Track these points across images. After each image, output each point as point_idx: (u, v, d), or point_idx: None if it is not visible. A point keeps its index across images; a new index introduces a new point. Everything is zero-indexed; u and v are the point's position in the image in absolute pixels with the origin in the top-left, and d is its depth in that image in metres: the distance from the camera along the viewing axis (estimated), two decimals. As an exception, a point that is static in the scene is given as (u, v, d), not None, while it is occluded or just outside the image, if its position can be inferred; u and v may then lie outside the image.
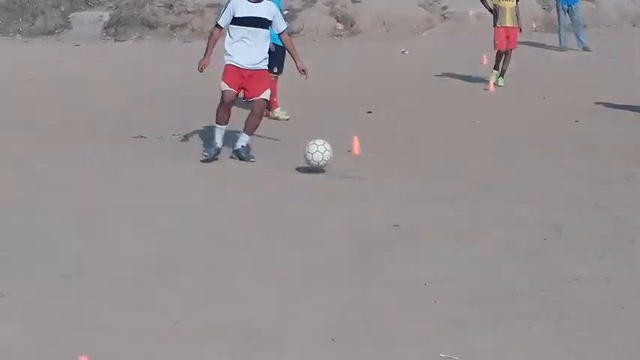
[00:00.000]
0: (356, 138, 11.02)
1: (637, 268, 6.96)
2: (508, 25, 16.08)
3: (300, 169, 10.13)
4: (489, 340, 5.62)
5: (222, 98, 10.55)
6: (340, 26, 22.64)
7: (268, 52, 12.49)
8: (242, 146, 10.56)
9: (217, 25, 10.63)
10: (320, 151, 9.88)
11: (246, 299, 6.29)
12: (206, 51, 10.62)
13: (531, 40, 21.27)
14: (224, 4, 10.74)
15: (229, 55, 10.58)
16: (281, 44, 12.96)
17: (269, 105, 13.07)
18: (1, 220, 8.18)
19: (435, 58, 19.18)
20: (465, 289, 6.47)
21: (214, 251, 7.38)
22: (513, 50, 16.26)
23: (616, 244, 7.54)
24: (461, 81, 16.59)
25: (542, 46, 21.20)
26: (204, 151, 10.55)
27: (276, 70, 12.95)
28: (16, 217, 8.31)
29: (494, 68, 16.32)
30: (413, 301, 6.27)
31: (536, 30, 22.99)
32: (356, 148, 11.01)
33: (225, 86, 10.50)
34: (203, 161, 10.36)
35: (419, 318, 5.96)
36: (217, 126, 10.57)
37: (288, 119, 13.11)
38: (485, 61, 18.24)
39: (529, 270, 6.88)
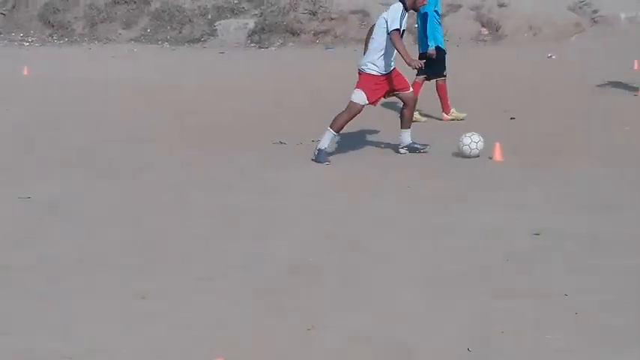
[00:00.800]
0: (498, 144, 10.81)
1: None
2: None
3: (440, 176, 10.02)
4: (632, 355, 5.38)
5: (352, 110, 10.77)
6: (485, 31, 22.33)
7: (432, 59, 12.73)
8: (411, 141, 10.99)
9: (398, 30, 10.55)
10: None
11: (382, 307, 6.22)
12: (406, 54, 10.58)
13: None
14: (397, 12, 10.59)
15: (374, 65, 10.73)
16: (443, 48, 13.14)
17: (444, 108, 13.24)
18: (144, 223, 8.36)
19: (583, 64, 18.68)
20: (608, 300, 6.23)
21: (353, 257, 7.34)
22: None
23: None
24: (610, 87, 16.07)
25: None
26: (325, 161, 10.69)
27: (445, 72, 13.14)
28: (159, 219, 8.48)
29: None
30: (553, 312, 6.07)
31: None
32: (497, 155, 10.79)
33: (362, 99, 10.64)
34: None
35: (559, 329, 5.76)
36: (336, 135, 10.89)
37: (464, 118, 13.32)
38: (636, 66, 17.66)
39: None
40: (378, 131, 12.21)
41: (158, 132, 12.75)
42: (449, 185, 9.69)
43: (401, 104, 11.23)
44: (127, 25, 22.87)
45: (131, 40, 22.35)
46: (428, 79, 13.20)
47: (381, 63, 10.70)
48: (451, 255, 7.34)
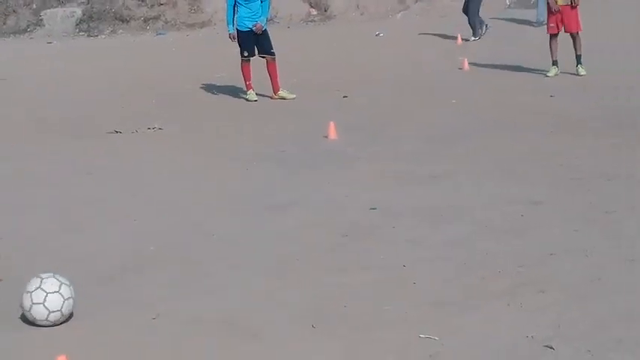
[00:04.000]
0: (332, 123, 10.99)
1: (613, 240, 6.95)
2: (560, 3, 14.04)
3: (276, 157, 10.12)
4: (469, 318, 5.61)
5: None
6: (314, 11, 22.59)
7: (237, 38, 13.04)
8: None
9: None
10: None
11: (224, 290, 6.26)
12: None
13: (505, 17, 21.29)
14: None
15: None
16: (245, 29, 13.34)
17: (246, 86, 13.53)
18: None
19: (409, 40, 19.16)
20: (443, 270, 6.47)
21: (191, 243, 7.34)
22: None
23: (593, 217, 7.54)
24: (436, 62, 16.55)
25: (516, 21, 21.17)
26: None
27: (246, 53, 13.34)
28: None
29: (553, 63, 14.42)
30: (391, 284, 6.26)
31: (510, 6, 22.96)
32: (332, 133, 10.98)
33: None
34: None
35: (398, 301, 5.95)
36: None
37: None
38: (459, 40, 18.25)
39: (507, 247, 6.88)
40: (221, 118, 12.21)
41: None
42: (283, 166, 9.79)
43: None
44: (-54, 19, 22.10)
45: (-48, 33, 21.60)
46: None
47: None
48: (290, 233, 7.44)
